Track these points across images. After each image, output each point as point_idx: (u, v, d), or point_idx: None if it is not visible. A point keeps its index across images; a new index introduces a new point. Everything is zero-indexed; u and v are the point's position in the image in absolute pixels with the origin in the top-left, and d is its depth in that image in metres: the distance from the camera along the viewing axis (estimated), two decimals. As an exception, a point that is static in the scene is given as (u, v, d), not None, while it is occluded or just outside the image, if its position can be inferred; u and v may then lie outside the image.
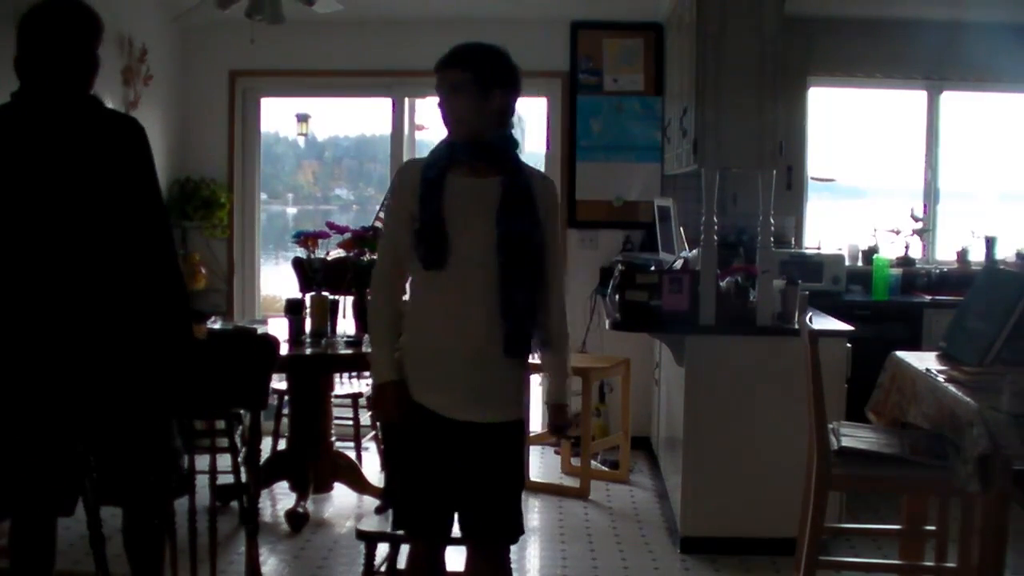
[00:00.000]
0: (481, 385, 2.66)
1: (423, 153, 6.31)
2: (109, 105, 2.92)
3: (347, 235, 4.81)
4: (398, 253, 2.70)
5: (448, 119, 2.68)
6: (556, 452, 5.68)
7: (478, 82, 2.62)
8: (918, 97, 5.89)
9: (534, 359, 2.82)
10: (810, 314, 4.09)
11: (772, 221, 4.23)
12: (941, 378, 3.26)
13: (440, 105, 2.69)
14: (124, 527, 2.84)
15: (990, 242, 5.57)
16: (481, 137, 2.66)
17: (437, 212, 2.60)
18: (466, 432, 2.66)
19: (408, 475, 2.73)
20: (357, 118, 7.23)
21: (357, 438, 5.29)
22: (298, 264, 4.92)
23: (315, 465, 4.71)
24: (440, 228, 2.60)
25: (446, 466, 2.68)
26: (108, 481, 2.72)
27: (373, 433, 5.46)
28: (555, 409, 2.85)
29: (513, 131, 2.74)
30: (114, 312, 2.70)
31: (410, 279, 2.76)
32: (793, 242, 5.74)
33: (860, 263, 5.69)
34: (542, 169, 6.44)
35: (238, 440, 2.87)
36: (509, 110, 2.70)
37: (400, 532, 2.83)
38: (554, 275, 2.75)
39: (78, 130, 2.68)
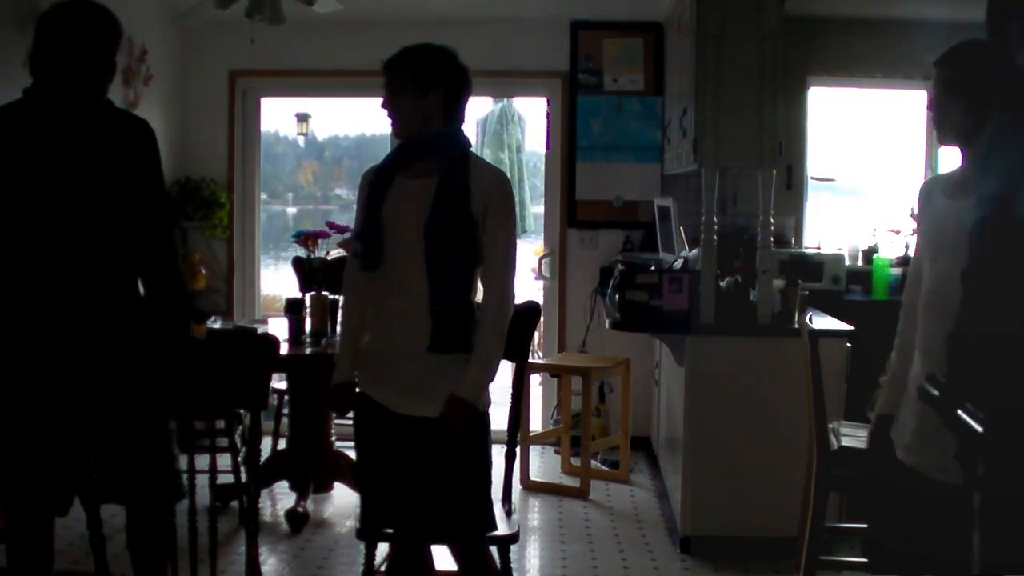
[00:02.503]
0: (420, 380, 2.66)
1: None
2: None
3: (347, 235, 4.81)
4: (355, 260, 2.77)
5: (390, 118, 2.72)
6: (556, 452, 5.68)
7: (416, 81, 2.65)
8: (918, 97, 5.89)
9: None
10: (810, 314, 4.09)
11: (772, 221, 4.23)
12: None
13: (383, 105, 2.72)
14: (128, 528, 2.84)
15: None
16: (421, 136, 2.68)
17: (375, 215, 2.67)
18: (417, 427, 2.66)
19: (368, 475, 2.77)
20: (357, 118, 7.25)
21: (357, 438, 5.28)
22: (298, 264, 4.92)
23: (315, 465, 4.71)
24: (376, 231, 2.66)
25: (400, 462, 2.69)
26: (108, 482, 2.72)
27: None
28: (452, 403, 2.62)
29: (461, 128, 2.75)
30: (116, 311, 2.70)
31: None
32: (793, 242, 5.74)
33: (860, 263, 5.69)
34: (542, 169, 6.51)
35: (238, 440, 2.86)
36: (455, 109, 2.71)
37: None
38: (492, 274, 2.68)
39: (87, 129, 2.66)
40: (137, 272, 2.75)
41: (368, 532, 2.89)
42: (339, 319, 2.86)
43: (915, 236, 2.79)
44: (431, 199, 2.61)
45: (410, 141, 2.70)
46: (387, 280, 2.69)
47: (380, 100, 2.74)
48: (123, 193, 2.67)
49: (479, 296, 2.74)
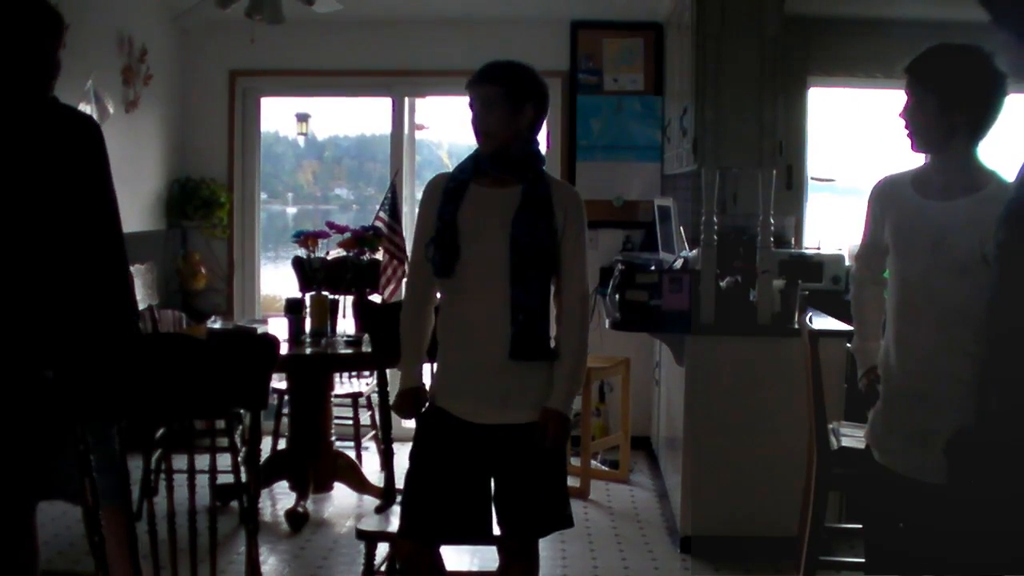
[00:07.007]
0: (502, 388, 2.69)
1: (422, 152, 6.37)
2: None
3: (347, 235, 4.82)
4: (423, 265, 2.76)
5: (479, 132, 2.73)
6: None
7: (510, 97, 2.69)
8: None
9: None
10: (810, 314, 4.10)
11: (772, 221, 4.23)
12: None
13: (472, 120, 2.74)
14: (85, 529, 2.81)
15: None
16: (508, 151, 2.71)
17: (451, 220, 2.69)
18: (494, 435, 2.70)
19: (426, 480, 2.75)
20: (357, 118, 7.24)
21: (357, 438, 5.29)
22: (298, 264, 4.93)
23: (315, 465, 4.71)
24: (452, 235, 2.68)
25: (470, 470, 2.71)
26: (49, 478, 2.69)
27: (373, 433, 5.46)
28: (548, 415, 2.70)
29: (538, 147, 2.81)
30: (56, 312, 2.62)
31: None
32: (793, 242, 5.74)
33: (860, 263, 5.68)
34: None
35: (238, 440, 2.87)
36: (537, 126, 2.78)
37: (399, 532, 2.84)
38: (572, 283, 2.79)
39: (30, 129, 2.60)
40: (83, 273, 2.67)
41: (416, 534, 2.78)
42: (402, 327, 2.83)
43: (865, 228, 2.79)
44: (515, 208, 2.67)
45: (496, 154, 2.72)
46: (463, 288, 2.70)
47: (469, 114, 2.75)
48: (64, 193, 2.60)
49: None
